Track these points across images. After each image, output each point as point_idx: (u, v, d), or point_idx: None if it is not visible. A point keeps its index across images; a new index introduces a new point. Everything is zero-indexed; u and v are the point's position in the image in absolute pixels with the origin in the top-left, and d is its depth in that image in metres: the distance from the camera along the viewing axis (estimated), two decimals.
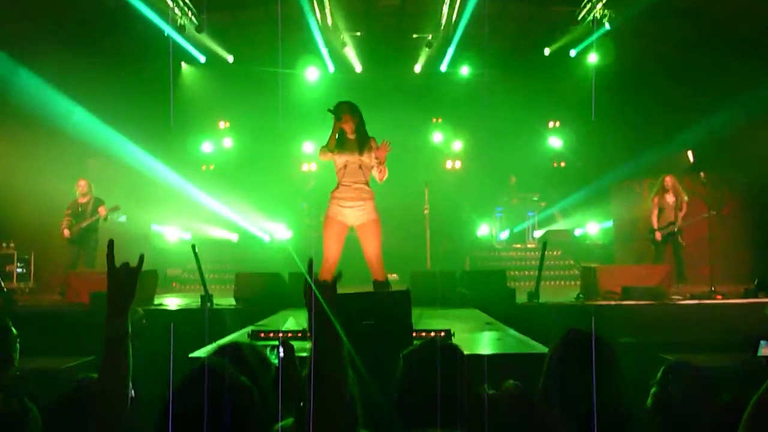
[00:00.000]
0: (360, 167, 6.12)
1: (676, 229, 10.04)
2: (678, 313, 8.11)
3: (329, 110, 6.15)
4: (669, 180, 10.10)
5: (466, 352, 2.48)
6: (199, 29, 12.59)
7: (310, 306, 1.85)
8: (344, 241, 6.25)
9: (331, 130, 6.17)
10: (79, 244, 10.18)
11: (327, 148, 6.15)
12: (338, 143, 6.18)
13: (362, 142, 6.14)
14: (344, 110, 6.14)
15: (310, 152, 15.06)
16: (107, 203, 10.30)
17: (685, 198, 10.04)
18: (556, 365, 2.16)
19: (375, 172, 6.15)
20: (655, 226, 10.22)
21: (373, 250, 6.12)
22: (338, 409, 1.77)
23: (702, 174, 10.08)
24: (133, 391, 3.06)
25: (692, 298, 8.73)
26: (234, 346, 2.53)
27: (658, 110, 13.02)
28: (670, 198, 10.06)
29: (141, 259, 2.19)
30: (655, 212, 10.23)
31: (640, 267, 10.02)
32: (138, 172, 12.44)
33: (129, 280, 2.13)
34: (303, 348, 4.60)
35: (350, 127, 6.14)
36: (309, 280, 1.87)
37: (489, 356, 4.24)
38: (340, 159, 6.16)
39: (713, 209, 9.58)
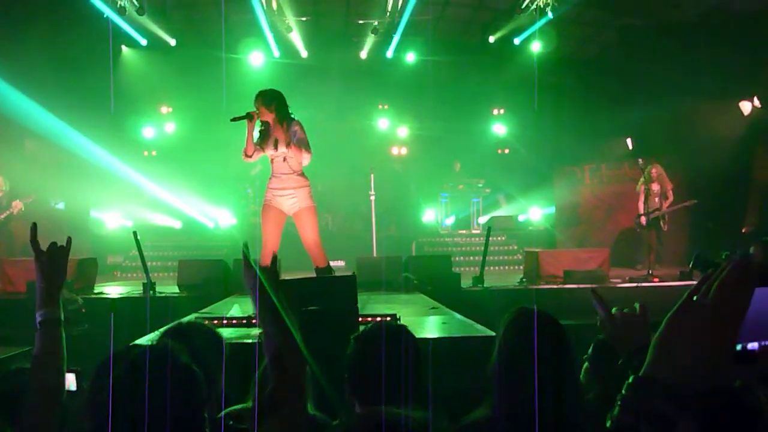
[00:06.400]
0: (284, 159, 6.05)
1: (659, 215, 10.30)
2: (617, 295, 8.34)
3: (233, 119, 6.03)
4: (655, 170, 10.37)
5: None
6: (140, 11, 12.26)
7: (252, 289, 1.83)
8: (283, 228, 6.23)
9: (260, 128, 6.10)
10: None
11: (245, 153, 6.08)
12: (263, 136, 6.11)
13: (281, 134, 6.03)
14: (258, 104, 6.04)
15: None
16: (41, 189, 10.33)
17: (670, 186, 10.36)
18: (506, 344, 2.21)
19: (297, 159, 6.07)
20: (641, 211, 10.49)
21: (310, 237, 6.11)
22: (288, 391, 1.77)
23: (640, 160, 10.39)
24: (75, 384, 2.99)
25: (630, 281, 9.00)
26: (178, 327, 2.50)
27: (599, 97, 13.29)
28: (655, 186, 10.33)
29: (68, 240, 2.12)
30: (642, 199, 10.48)
31: (581, 251, 10.27)
32: (77, 156, 12.07)
33: (58, 261, 2.05)
34: (248, 335, 4.59)
35: (270, 117, 6.05)
36: (250, 262, 1.85)
37: (434, 339, 4.28)
38: (266, 152, 6.11)
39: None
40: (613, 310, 1.95)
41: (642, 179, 10.54)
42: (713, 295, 0.88)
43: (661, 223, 10.30)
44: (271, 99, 6.05)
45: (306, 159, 6.03)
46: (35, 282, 2.06)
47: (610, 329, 1.94)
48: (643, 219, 10.44)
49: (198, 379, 1.67)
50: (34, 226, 2.08)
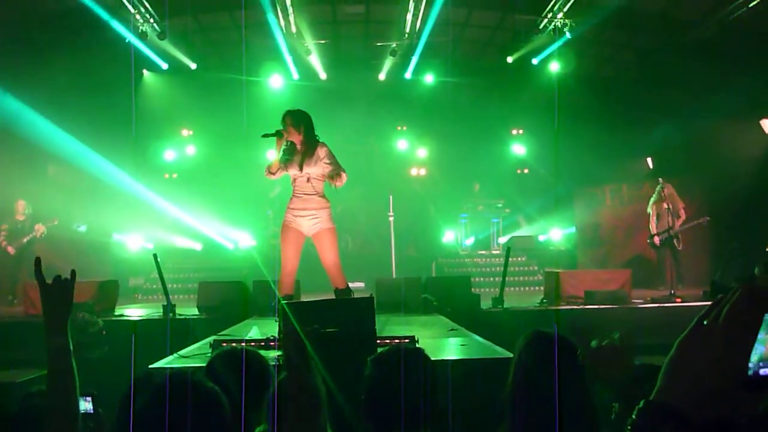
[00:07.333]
0: (308, 180, 6.06)
1: (672, 234, 10.25)
2: (639, 316, 8.25)
3: (264, 135, 6.09)
4: (665, 190, 10.34)
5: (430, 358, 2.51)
6: (161, 36, 12.44)
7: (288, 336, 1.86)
8: (302, 250, 6.23)
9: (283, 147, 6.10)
10: (20, 257, 10.67)
11: (269, 171, 6.11)
12: (287, 154, 6.12)
13: (307, 155, 6.02)
14: (286, 123, 6.07)
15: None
16: (63, 213, 10.54)
17: (682, 205, 10.34)
18: (522, 367, 2.19)
19: (330, 181, 6.08)
20: (654, 231, 10.48)
21: (330, 258, 6.10)
22: (308, 418, 1.77)
23: (661, 179, 10.32)
24: (91, 406, 3.01)
25: (653, 301, 8.89)
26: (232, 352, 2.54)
27: (619, 117, 13.25)
28: (666, 205, 10.30)
29: (73, 273, 2.17)
30: (654, 219, 10.52)
31: (602, 272, 10.18)
32: (99, 180, 12.24)
33: (63, 293, 2.12)
34: (266, 357, 4.59)
35: (297, 138, 6.07)
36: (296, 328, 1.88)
37: (453, 362, 4.26)
38: (290, 172, 6.12)
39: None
40: (593, 343, 1.91)
41: (652, 200, 10.55)
42: (723, 320, 0.87)
43: (675, 242, 10.25)
44: (300, 120, 6.08)
45: (345, 177, 6.04)
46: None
47: (592, 363, 1.90)
48: (656, 239, 10.42)
49: (223, 404, 1.68)
50: (38, 260, 2.15)
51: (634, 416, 0.89)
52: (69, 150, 11.66)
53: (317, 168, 6.01)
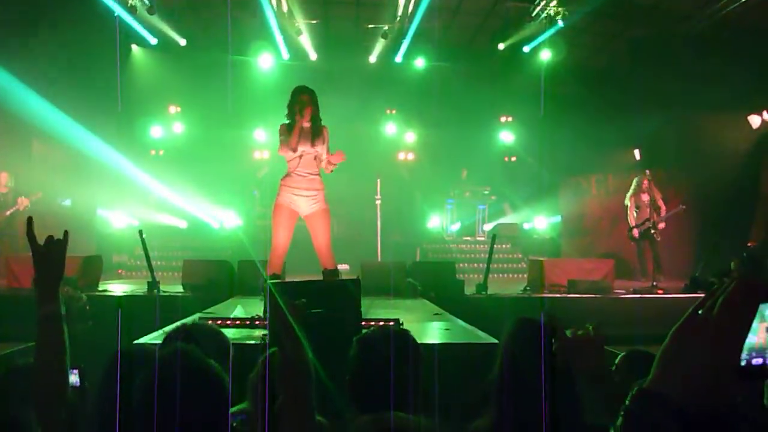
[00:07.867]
0: (315, 158, 6.07)
1: (650, 225, 10.33)
2: (621, 306, 8.33)
3: (294, 111, 6.05)
4: (645, 181, 10.41)
5: None
6: (150, 11, 12.28)
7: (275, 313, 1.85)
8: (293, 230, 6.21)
9: (293, 124, 6.04)
10: (1, 231, 10.62)
11: (290, 147, 6.05)
12: (302, 130, 6.09)
13: (317, 132, 6.06)
14: (305, 102, 6.04)
15: (263, 140, 14.92)
16: (48, 187, 10.47)
17: (660, 196, 10.42)
18: (509, 353, 2.21)
19: (324, 166, 6.09)
20: (633, 224, 10.57)
21: (323, 239, 6.10)
22: (300, 395, 1.77)
23: (647, 171, 10.38)
24: (78, 380, 3.00)
25: (635, 292, 8.97)
26: (184, 328, 2.51)
27: (608, 107, 13.28)
28: (645, 197, 10.39)
29: (65, 234, 2.08)
30: (632, 211, 10.59)
31: (586, 261, 10.24)
32: (84, 154, 12.09)
33: (55, 255, 2.03)
34: (251, 336, 4.61)
35: (307, 116, 6.06)
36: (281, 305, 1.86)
37: (437, 345, 4.28)
38: (299, 148, 6.09)
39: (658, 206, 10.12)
40: (568, 332, 1.92)
41: (630, 192, 10.63)
42: (718, 311, 0.88)
43: (654, 234, 10.33)
44: (316, 97, 6.11)
45: (333, 168, 6.10)
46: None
47: (563, 353, 1.90)
48: (635, 231, 10.50)
49: (224, 382, 1.68)
50: (30, 220, 2.07)
51: (627, 402, 0.90)
52: (54, 124, 11.48)
53: (323, 148, 6.03)
